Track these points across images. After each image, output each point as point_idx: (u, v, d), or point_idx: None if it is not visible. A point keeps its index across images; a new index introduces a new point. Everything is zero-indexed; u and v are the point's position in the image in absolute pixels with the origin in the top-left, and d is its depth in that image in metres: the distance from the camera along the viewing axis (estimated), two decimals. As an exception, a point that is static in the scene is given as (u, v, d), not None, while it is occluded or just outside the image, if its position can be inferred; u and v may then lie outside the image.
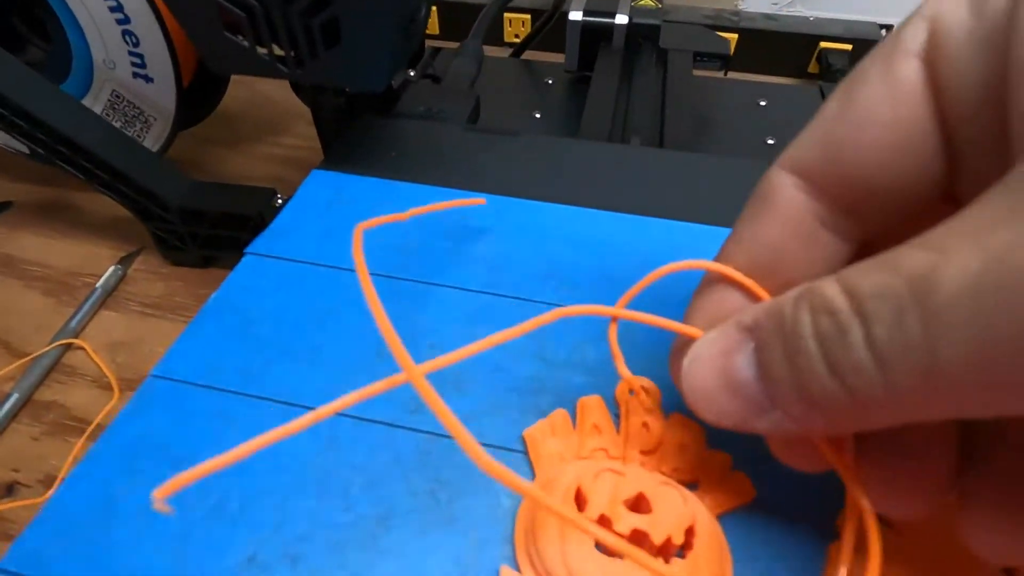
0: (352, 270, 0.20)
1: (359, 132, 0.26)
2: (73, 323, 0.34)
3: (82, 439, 0.29)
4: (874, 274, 0.09)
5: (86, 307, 0.35)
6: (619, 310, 0.15)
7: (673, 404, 0.17)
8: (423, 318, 0.18)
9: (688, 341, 0.13)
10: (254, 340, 0.18)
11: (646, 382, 0.17)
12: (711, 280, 0.14)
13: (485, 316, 0.19)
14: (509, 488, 0.10)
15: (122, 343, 0.34)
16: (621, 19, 0.41)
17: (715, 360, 0.12)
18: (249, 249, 0.21)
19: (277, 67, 0.21)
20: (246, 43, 0.20)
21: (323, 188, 0.23)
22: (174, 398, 0.17)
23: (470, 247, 0.21)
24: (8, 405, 0.30)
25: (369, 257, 0.21)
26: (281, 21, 0.19)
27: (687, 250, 0.22)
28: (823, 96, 0.45)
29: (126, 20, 0.33)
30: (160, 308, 0.36)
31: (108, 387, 0.31)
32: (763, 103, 0.44)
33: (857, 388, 0.09)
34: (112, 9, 0.33)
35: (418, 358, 0.17)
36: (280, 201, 0.34)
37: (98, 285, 0.36)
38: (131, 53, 0.35)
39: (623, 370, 0.15)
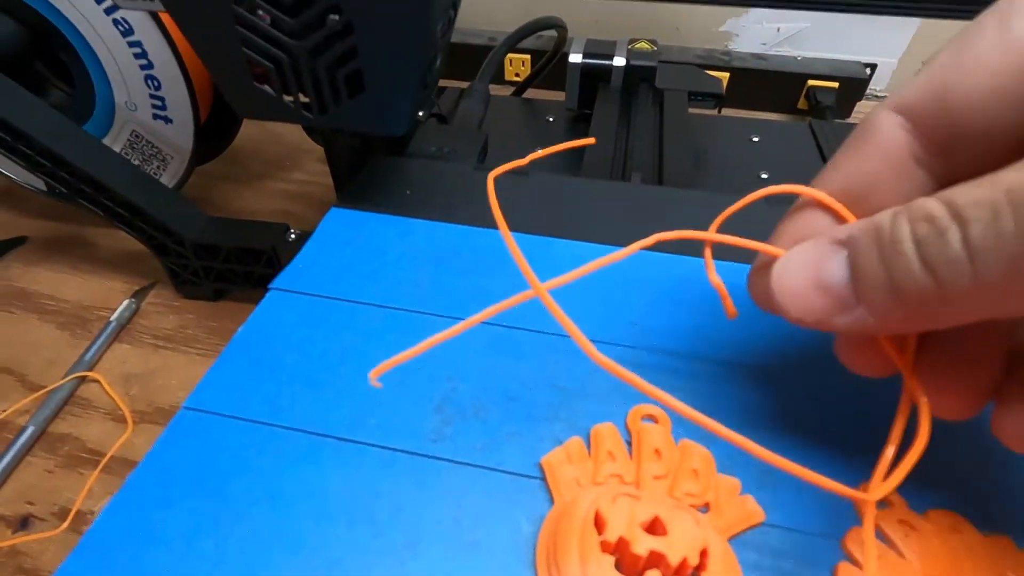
0: (372, 304, 0.21)
1: (373, 171, 0.27)
2: (88, 356, 0.34)
3: (96, 471, 0.29)
4: (973, 189, 0.11)
5: (100, 340, 0.35)
6: (711, 234, 0.17)
7: (682, 431, 0.17)
8: (445, 351, 0.19)
9: (770, 261, 0.14)
10: (281, 373, 0.19)
11: (656, 410, 0.18)
12: (800, 206, 0.15)
13: (506, 348, 0.20)
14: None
15: (136, 375, 0.34)
16: (619, 61, 0.44)
17: (807, 264, 0.13)
18: (273, 285, 0.22)
19: (302, 114, 0.22)
20: (273, 92, 0.22)
21: (341, 225, 0.25)
22: (206, 429, 0.17)
23: (486, 282, 0.22)
24: (23, 438, 0.30)
25: (386, 292, 0.22)
26: (308, 73, 0.21)
27: (690, 283, 0.23)
28: (813, 133, 0.47)
29: (149, 65, 0.35)
30: (173, 341, 0.36)
31: (122, 419, 0.32)
32: (755, 139, 0.46)
33: (947, 281, 0.11)
34: (136, 56, 0.34)
35: (438, 390, 0.18)
36: (293, 236, 0.35)
37: (112, 318, 0.37)
38: (152, 96, 0.36)
39: (713, 276, 0.17)
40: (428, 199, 0.26)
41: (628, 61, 0.43)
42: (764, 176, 0.42)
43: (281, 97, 0.22)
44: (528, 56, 0.63)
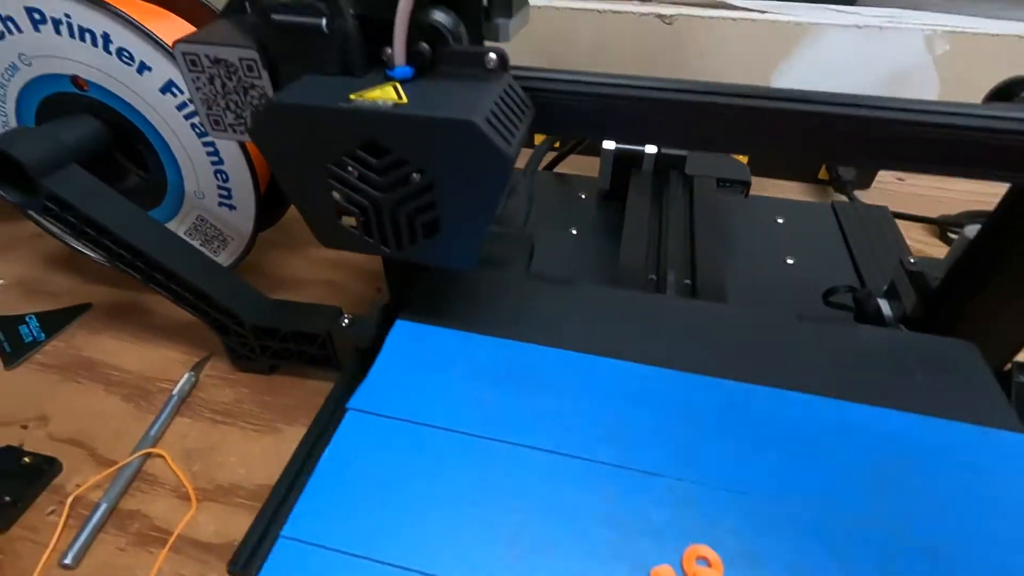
0: (443, 428, 0.23)
1: (429, 282, 0.30)
2: (152, 431, 0.37)
3: (164, 550, 0.31)
4: None
5: (163, 415, 0.38)
6: None
7: (735, 573, 0.19)
8: (512, 479, 0.21)
9: None
10: (364, 503, 0.21)
11: (710, 552, 0.19)
12: None
13: (568, 478, 0.22)
14: None
15: (196, 450, 0.36)
16: (650, 148, 0.46)
17: None
18: (351, 405, 0.24)
19: (380, 248, 0.24)
20: (355, 230, 0.24)
21: (407, 340, 0.27)
22: (301, 559, 0.19)
23: (546, 403, 0.24)
24: (97, 516, 0.32)
25: (455, 414, 0.24)
26: (389, 219, 0.23)
27: (736, 408, 0.24)
28: (836, 214, 0.49)
29: (220, 161, 0.38)
30: (230, 415, 0.38)
31: (186, 496, 0.34)
32: (780, 220, 0.48)
33: None
34: (209, 153, 0.37)
35: (507, 521, 0.20)
36: (347, 321, 0.37)
37: (174, 393, 0.39)
38: (220, 187, 0.39)
39: None
40: (484, 310, 0.28)
41: (659, 148, 0.46)
42: (790, 261, 0.44)
43: (362, 235, 0.24)
44: (558, 123, 0.66)
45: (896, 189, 0.63)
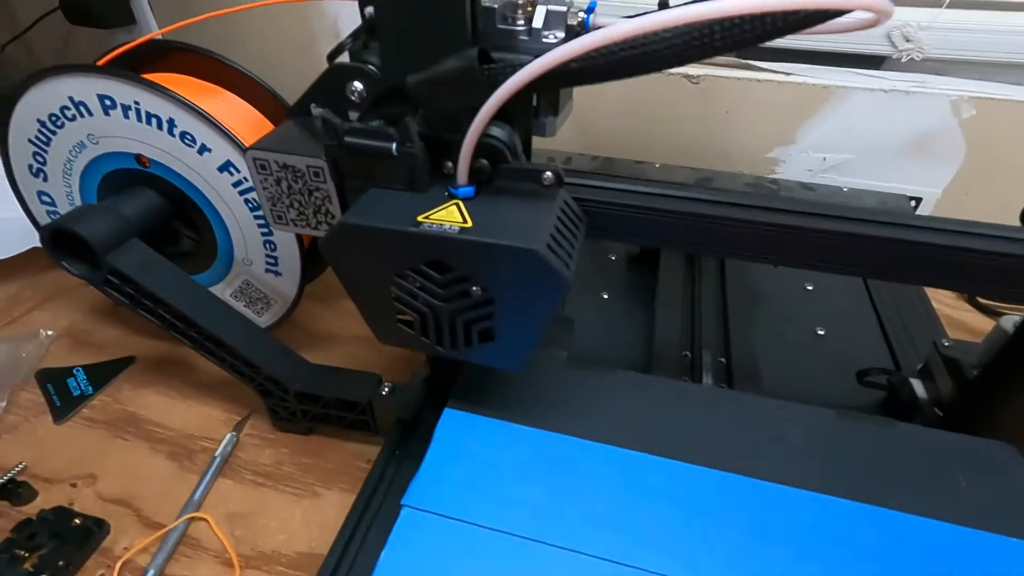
0: (494, 529, 0.24)
1: (475, 367, 0.31)
2: (196, 495, 0.38)
3: (210, 620, 0.32)
4: None
5: (207, 478, 0.39)
6: None
7: None
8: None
9: None
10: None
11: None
12: None
13: None
14: None
15: (239, 515, 0.37)
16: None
17: None
18: (406, 502, 0.25)
19: (435, 348, 0.25)
20: (412, 331, 0.25)
21: (457, 432, 0.28)
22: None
23: (595, 506, 0.25)
24: (146, 583, 0.33)
25: (505, 515, 0.25)
26: (447, 325, 0.24)
27: (784, 512, 0.25)
28: (865, 282, 0.49)
29: (270, 233, 0.39)
30: (271, 478, 0.40)
31: (229, 563, 0.35)
32: (810, 287, 0.49)
33: None
34: (260, 225, 0.39)
35: None
36: (387, 390, 0.38)
37: (216, 454, 0.40)
38: (268, 256, 0.40)
39: None
40: (530, 397, 0.29)
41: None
42: (820, 332, 0.44)
43: (419, 335, 0.25)
44: (585, 176, 0.67)
45: (921, 248, 0.63)
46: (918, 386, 0.37)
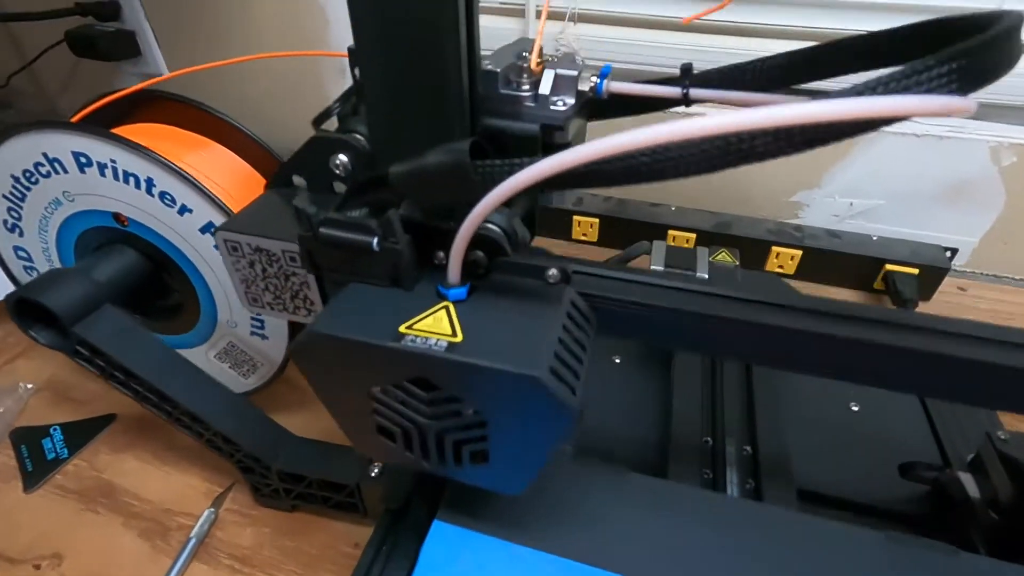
0: None
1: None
2: (168, 582, 0.35)
3: None
4: None
5: (180, 561, 0.36)
6: None
7: None
8: None
9: None
10: None
11: None
12: None
13: None
14: None
15: (212, 607, 0.34)
16: (701, 275, 0.43)
17: None
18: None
19: (422, 464, 0.22)
20: (394, 445, 0.22)
21: (448, 551, 0.24)
22: None
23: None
24: None
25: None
26: (433, 442, 0.21)
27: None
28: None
29: (255, 297, 0.36)
30: (248, 563, 0.36)
31: (198, 667, 0.32)
32: (839, 354, 0.45)
33: None
34: (244, 289, 0.36)
35: None
36: (375, 472, 0.35)
37: (192, 535, 0.37)
38: (253, 319, 0.38)
39: None
40: (528, 506, 0.26)
41: (710, 276, 0.43)
42: (855, 408, 0.40)
43: (402, 449, 0.22)
44: (596, 219, 0.64)
45: (958, 301, 0.59)
46: (969, 483, 0.33)
